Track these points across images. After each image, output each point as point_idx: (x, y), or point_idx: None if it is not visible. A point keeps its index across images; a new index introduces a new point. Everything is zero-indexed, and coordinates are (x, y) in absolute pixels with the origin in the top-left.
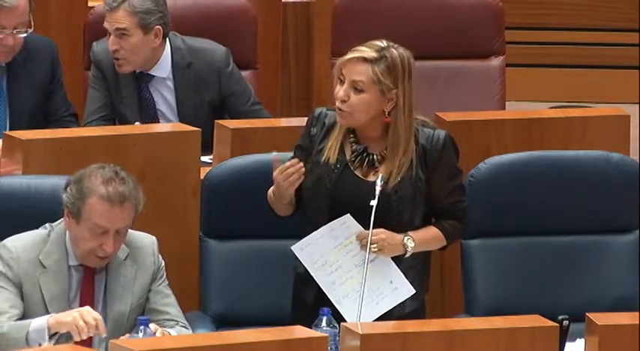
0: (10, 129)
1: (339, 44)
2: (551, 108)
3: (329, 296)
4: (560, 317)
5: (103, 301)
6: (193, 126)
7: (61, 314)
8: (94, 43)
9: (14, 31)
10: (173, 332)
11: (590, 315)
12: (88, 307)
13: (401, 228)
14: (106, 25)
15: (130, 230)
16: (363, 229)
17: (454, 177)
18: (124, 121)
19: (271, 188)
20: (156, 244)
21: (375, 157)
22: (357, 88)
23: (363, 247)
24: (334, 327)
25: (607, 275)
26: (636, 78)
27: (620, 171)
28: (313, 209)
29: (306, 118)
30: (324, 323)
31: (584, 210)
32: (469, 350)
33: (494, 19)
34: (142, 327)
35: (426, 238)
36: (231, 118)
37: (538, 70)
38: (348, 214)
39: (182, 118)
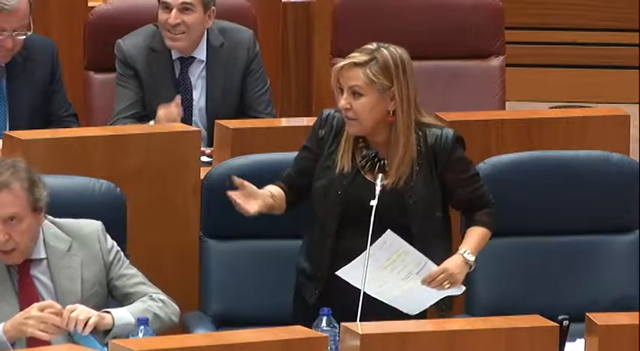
0: (10, 129)
1: (339, 44)
2: (551, 108)
3: (382, 299)
4: (560, 317)
5: (55, 297)
6: (221, 107)
7: (12, 320)
8: (119, 41)
9: (14, 34)
10: (119, 312)
11: (590, 315)
12: (35, 305)
13: (421, 234)
14: None
15: (71, 220)
16: (406, 244)
17: (467, 169)
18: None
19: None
20: (101, 229)
21: (385, 162)
22: (355, 93)
23: (435, 285)
24: (334, 327)
25: (607, 275)
26: (636, 78)
27: (620, 171)
28: (324, 214)
29: (305, 118)
30: (324, 323)
31: (584, 210)
32: (469, 350)
33: (494, 19)
34: (142, 327)
35: (478, 242)
36: (244, 106)
37: (538, 70)
38: (389, 231)
39: (210, 100)
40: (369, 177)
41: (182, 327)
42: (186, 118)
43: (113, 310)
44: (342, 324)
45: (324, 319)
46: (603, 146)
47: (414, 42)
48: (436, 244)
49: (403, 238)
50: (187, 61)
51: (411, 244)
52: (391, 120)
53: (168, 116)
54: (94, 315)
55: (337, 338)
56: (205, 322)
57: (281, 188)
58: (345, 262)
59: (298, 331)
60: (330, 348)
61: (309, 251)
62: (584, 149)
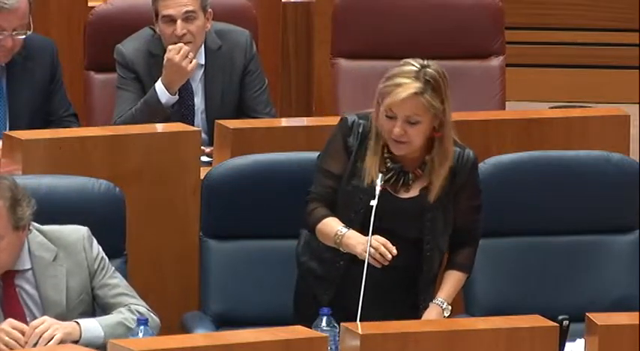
0: (10, 129)
1: (339, 44)
2: (551, 108)
3: None
4: (560, 317)
5: (41, 306)
6: (221, 110)
7: None
8: (119, 46)
9: (13, 33)
10: (88, 323)
11: (590, 315)
12: (9, 320)
13: (431, 249)
14: (168, 11)
15: (57, 227)
16: None
17: (475, 197)
18: None
19: (343, 232)
20: (86, 236)
21: (409, 175)
22: (412, 122)
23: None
24: (334, 327)
25: (607, 275)
26: (636, 78)
27: (620, 171)
28: (346, 221)
29: (306, 118)
30: (324, 323)
31: (584, 210)
32: (469, 350)
33: (494, 19)
34: (141, 327)
35: (455, 290)
36: (243, 107)
37: (538, 70)
38: None
39: (210, 104)
40: (390, 189)
41: (182, 327)
42: (189, 124)
43: (83, 322)
44: (342, 324)
45: (324, 319)
46: (603, 146)
47: (414, 42)
48: (438, 261)
49: (414, 250)
50: None
51: (420, 258)
52: (437, 135)
53: (183, 52)
54: (59, 331)
55: (337, 338)
56: (205, 322)
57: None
58: (362, 268)
59: (298, 331)
60: (330, 348)
61: (317, 251)
62: (584, 149)
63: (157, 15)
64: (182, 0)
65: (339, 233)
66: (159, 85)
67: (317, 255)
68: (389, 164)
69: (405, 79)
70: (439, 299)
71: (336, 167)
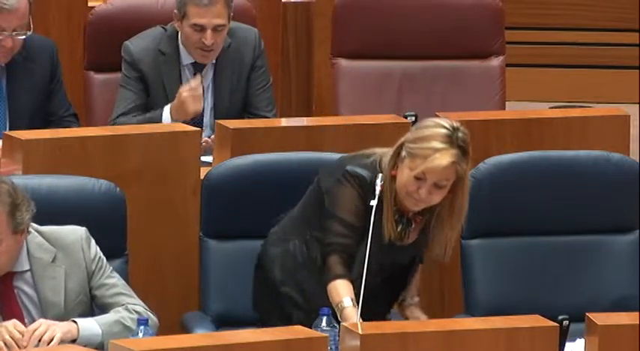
0: (10, 129)
1: (339, 44)
2: (551, 108)
3: None
4: (560, 317)
5: (40, 307)
6: (230, 107)
7: None
8: (127, 43)
9: (13, 34)
10: (86, 322)
11: (590, 315)
12: (14, 321)
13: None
14: (200, 21)
15: (55, 227)
16: None
17: None
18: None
19: (344, 307)
20: (84, 237)
21: (412, 223)
22: (440, 185)
23: None
24: (334, 327)
25: (607, 275)
26: (636, 78)
27: (620, 171)
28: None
29: (305, 118)
30: (324, 323)
31: (584, 210)
32: (469, 350)
33: (494, 19)
34: (142, 327)
35: (417, 286)
36: (246, 104)
37: (538, 70)
38: None
39: (219, 101)
40: (397, 241)
41: (182, 327)
42: (198, 121)
43: (80, 320)
44: (342, 324)
45: (324, 319)
46: (603, 146)
47: (414, 42)
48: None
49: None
50: (200, 65)
51: (409, 272)
52: (448, 196)
53: (192, 93)
54: (58, 331)
55: (337, 338)
56: (205, 322)
57: (349, 280)
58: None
59: (298, 331)
60: (330, 348)
61: (306, 288)
62: (584, 149)
63: (183, 16)
64: (216, 11)
65: (340, 306)
66: (165, 111)
67: (302, 290)
68: (396, 217)
69: (441, 144)
70: (413, 298)
71: (358, 221)
